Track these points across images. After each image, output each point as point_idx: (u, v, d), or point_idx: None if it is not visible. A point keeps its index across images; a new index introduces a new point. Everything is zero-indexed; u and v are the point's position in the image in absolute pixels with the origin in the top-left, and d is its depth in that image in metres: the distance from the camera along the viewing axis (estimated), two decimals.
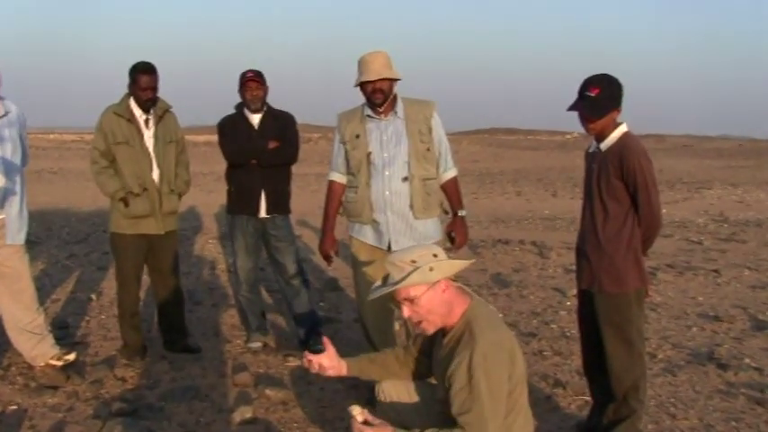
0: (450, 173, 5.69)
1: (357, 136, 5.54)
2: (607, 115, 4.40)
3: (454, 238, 5.68)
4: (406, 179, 5.43)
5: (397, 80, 5.49)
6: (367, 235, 5.58)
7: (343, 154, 5.65)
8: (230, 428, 5.17)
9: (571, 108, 4.45)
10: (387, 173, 5.44)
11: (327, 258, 5.96)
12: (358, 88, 5.50)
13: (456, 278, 3.67)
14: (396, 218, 5.45)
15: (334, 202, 5.79)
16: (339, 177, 5.74)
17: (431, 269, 3.41)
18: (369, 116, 5.53)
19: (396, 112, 5.51)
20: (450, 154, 5.71)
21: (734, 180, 30.72)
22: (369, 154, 5.48)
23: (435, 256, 3.46)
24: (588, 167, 4.64)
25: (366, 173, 5.49)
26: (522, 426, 3.53)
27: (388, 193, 5.44)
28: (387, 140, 5.47)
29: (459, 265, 3.55)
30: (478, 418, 3.27)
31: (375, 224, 5.51)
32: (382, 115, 5.50)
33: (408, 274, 3.41)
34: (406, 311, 3.52)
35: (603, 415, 4.66)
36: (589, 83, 4.40)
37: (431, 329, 3.57)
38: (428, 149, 5.51)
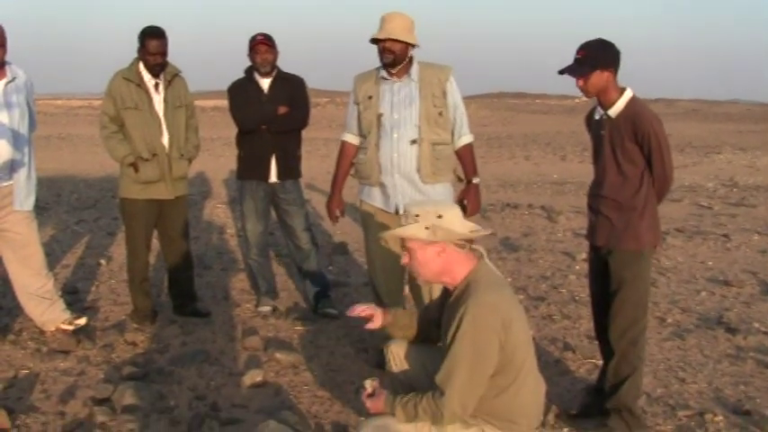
0: (465, 139, 5.61)
1: (370, 97, 5.50)
2: (595, 72, 4.43)
3: (466, 205, 5.62)
4: (414, 142, 5.37)
5: (413, 45, 5.41)
6: (375, 198, 5.56)
7: (357, 115, 5.62)
8: (240, 392, 5.20)
9: (562, 71, 4.52)
10: (395, 135, 5.39)
11: (333, 218, 5.95)
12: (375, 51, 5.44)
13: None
14: (403, 181, 5.41)
15: (345, 162, 5.77)
16: (351, 138, 5.71)
17: (426, 228, 3.48)
18: (383, 78, 5.49)
19: (410, 75, 5.45)
20: (465, 120, 5.62)
21: (743, 144, 30.61)
22: (380, 115, 5.43)
23: (440, 216, 3.48)
24: (597, 134, 4.65)
25: (376, 134, 5.45)
26: (532, 391, 3.54)
27: (395, 155, 5.39)
28: (398, 102, 5.42)
29: (457, 234, 3.51)
30: (449, 378, 3.31)
31: (383, 187, 5.49)
32: (395, 77, 5.44)
33: (406, 225, 3.53)
34: (404, 259, 3.63)
35: (605, 378, 4.68)
36: (579, 48, 4.51)
37: (420, 280, 3.75)
38: (440, 114, 5.44)
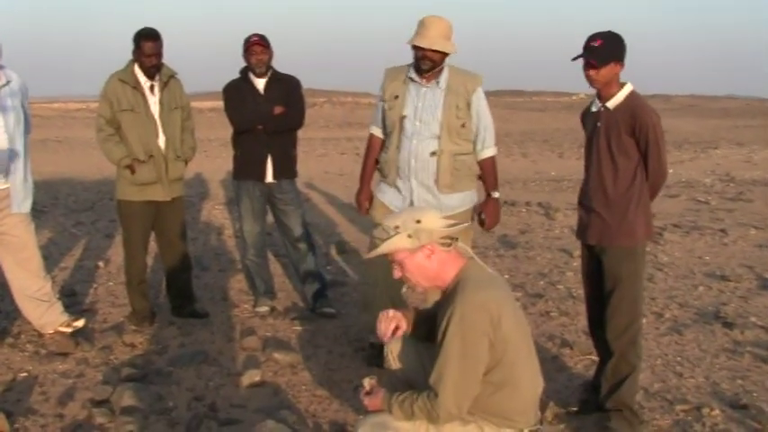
0: (488, 152, 5.55)
1: (396, 97, 5.44)
2: (609, 64, 4.42)
3: (484, 219, 5.58)
4: (434, 153, 5.33)
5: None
6: (391, 199, 5.52)
7: (381, 112, 5.59)
8: (239, 392, 5.21)
9: (576, 57, 4.45)
10: (414, 141, 5.35)
11: (363, 210, 5.87)
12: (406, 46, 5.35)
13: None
14: (420, 187, 5.38)
15: (372, 155, 5.74)
16: (378, 132, 5.68)
17: (409, 236, 3.47)
18: (411, 78, 5.42)
19: (438, 82, 5.38)
20: (490, 132, 5.54)
21: (740, 139, 30.66)
22: (402, 117, 5.39)
23: (419, 221, 3.48)
24: (592, 126, 4.63)
25: (398, 136, 5.42)
26: (529, 388, 3.53)
27: (413, 161, 5.36)
28: (422, 108, 5.35)
29: (439, 232, 3.52)
30: (441, 379, 3.31)
31: (400, 188, 5.47)
32: (424, 80, 5.37)
33: (388, 239, 3.51)
34: (396, 272, 3.61)
35: (603, 376, 4.67)
36: (593, 36, 4.45)
37: (419, 289, 3.72)
38: (463, 125, 5.38)
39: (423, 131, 5.35)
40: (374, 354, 5.52)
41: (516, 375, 3.42)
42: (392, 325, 3.81)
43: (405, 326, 3.84)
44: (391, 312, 3.85)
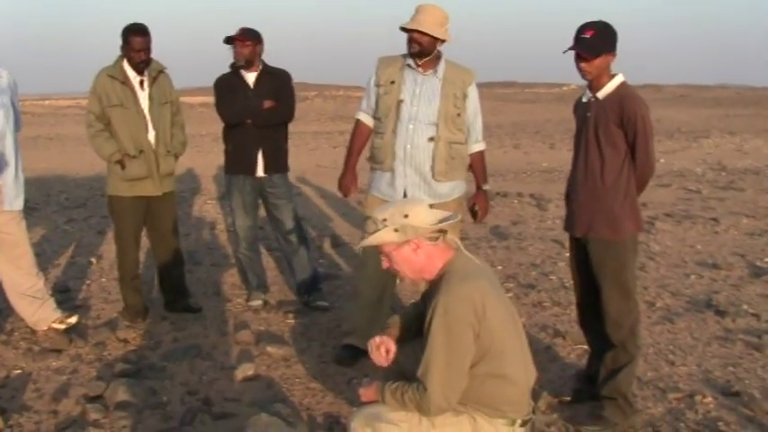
0: (479, 146, 5.61)
1: (392, 82, 5.43)
2: (602, 56, 4.39)
3: (477, 212, 5.63)
4: (431, 139, 5.34)
5: (441, 40, 5.35)
6: (383, 189, 5.50)
7: (375, 97, 5.57)
8: (233, 386, 5.22)
9: (568, 49, 4.43)
10: (411, 126, 5.35)
11: (346, 192, 5.85)
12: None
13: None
14: (414, 174, 5.38)
15: (359, 140, 5.72)
16: (366, 118, 5.66)
17: (395, 230, 3.48)
18: (408, 65, 5.43)
19: (435, 71, 5.41)
20: (481, 127, 5.62)
21: (732, 128, 30.68)
22: (399, 102, 5.38)
23: (406, 216, 3.49)
24: (582, 116, 4.62)
25: (393, 120, 5.40)
26: (520, 378, 3.53)
27: (409, 146, 5.36)
28: (419, 95, 5.37)
29: (426, 229, 3.53)
30: (428, 372, 3.32)
31: (393, 174, 5.44)
32: (421, 68, 5.39)
33: (375, 232, 3.54)
34: (384, 263, 3.64)
35: (601, 364, 4.68)
36: (584, 27, 4.42)
37: (406, 280, 3.77)
38: (459, 115, 5.41)
39: (420, 117, 5.35)
40: (347, 355, 5.57)
41: (506, 366, 3.42)
42: (383, 351, 3.82)
43: (393, 347, 3.83)
44: (377, 339, 3.83)
